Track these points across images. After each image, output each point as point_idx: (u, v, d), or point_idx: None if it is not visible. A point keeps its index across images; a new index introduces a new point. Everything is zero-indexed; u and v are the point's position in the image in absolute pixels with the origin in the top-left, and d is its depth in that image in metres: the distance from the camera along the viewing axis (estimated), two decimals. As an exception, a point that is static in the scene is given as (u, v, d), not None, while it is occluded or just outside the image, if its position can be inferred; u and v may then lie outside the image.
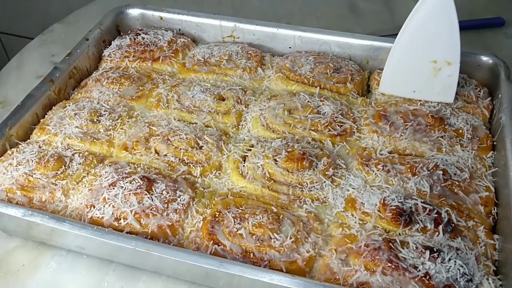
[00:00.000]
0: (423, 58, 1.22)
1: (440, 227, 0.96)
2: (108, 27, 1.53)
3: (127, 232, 0.99)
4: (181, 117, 1.26)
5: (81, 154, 1.15)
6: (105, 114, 1.24)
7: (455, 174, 1.08)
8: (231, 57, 1.42)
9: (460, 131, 1.18)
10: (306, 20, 1.82)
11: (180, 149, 1.15)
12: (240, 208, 1.02)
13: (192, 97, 1.29)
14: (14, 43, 2.75)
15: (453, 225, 0.98)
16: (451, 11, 1.15)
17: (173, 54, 1.45)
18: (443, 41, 1.19)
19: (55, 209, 1.05)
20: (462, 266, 0.89)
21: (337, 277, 0.92)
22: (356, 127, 1.22)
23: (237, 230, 0.98)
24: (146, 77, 1.38)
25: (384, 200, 1.01)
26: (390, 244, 0.92)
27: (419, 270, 0.88)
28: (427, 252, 0.90)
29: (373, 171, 1.10)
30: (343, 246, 0.96)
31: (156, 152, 1.16)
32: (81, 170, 1.11)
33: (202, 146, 1.16)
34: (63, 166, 1.11)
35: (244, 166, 1.13)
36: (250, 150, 1.17)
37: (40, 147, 1.16)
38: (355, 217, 1.02)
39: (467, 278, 0.88)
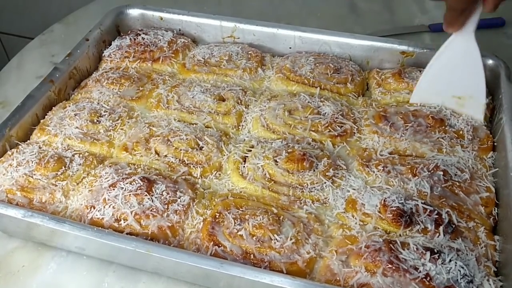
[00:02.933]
0: (448, 95, 1.24)
1: (441, 228, 0.96)
2: (108, 27, 1.53)
3: (127, 233, 0.98)
4: (181, 118, 1.26)
5: (81, 155, 1.15)
6: (105, 115, 1.23)
7: (455, 174, 1.08)
8: (231, 58, 1.42)
9: (461, 132, 1.18)
10: (306, 20, 1.82)
11: (180, 149, 1.15)
12: (240, 209, 1.02)
13: (192, 97, 1.29)
14: (14, 43, 2.75)
15: (453, 226, 0.98)
16: (476, 54, 1.18)
17: (173, 55, 1.45)
18: (468, 80, 1.22)
19: (55, 210, 1.05)
20: (462, 267, 0.89)
21: (338, 278, 0.92)
22: (356, 127, 1.22)
23: (238, 231, 0.97)
24: (146, 78, 1.38)
25: (384, 201, 1.01)
26: (391, 245, 0.92)
27: (420, 271, 0.88)
28: (428, 253, 0.90)
29: (374, 172, 1.10)
30: (343, 247, 0.96)
31: (156, 153, 1.16)
32: (81, 171, 1.11)
33: (202, 147, 1.16)
34: (63, 167, 1.11)
35: (244, 167, 1.13)
36: (250, 150, 1.17)
37: (40, 147, 1.16)
38: (355, 218, 1.02)
39: (467, 279, 0.88)
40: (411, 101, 1.28)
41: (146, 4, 1.60)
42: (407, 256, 0.90)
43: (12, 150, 1.15)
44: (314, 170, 1.10)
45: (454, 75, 1.23)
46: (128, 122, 1.24)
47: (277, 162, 1.12)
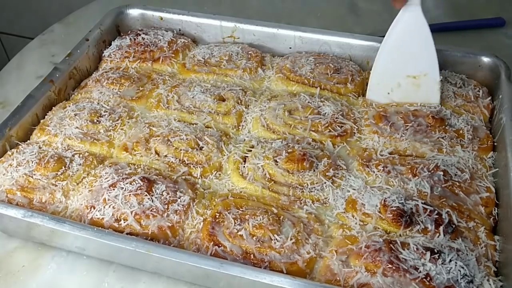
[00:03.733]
0: (402, 74, 1.24)
1: (441, 228, 0.96)
2: (108, 27, 1.53)
3: (127, 233, 0.98)
4: (181, 118, 1.26)
5: (81, 155, 1.15)
6: (105, 115, 1.23)
7: (455, 174, 1.08)
8: (231, 58, 1.42)
9: (461, 131, 1.18)
10: (306, 20, 1.82)
11: (180, 150, 1.15)
12: (241, 209, 1.02)
13: (192, 97, 1.29)
14: (14, 43, 2.75)
15: (453, 226, 0.98)
16: (424, 28, 1.18)
17: (173, 55, 1.45)
18: (420, 56, 1.22)
19: (55, 210, 1.05)
20: (462, 267, 0.89)
21: (338, 278, 0.92)
22: (356, 127, 1.22)
23: (238, 231, 0.97)
24: (146, 78, 1.38)
25: (384, 201, 1.01)
26: (391, 245, 0.92)
27: (420, 271, 0.88)
28: (428, 253, 0.90)
29: (374, 172, 1.10)
30: (343, 247, 0.96)
31: (156, 153, 1.16)
32: (81, 171, 1.11)
33: (202, 147, 1.16)
34: (63, 167, 1.11)
35: (244, 167, 1.13)
36: (251, 151, 1.17)
37: (40, 148, 1.16)
38: (355, 218, 1.02)
39: (467, 279, 0.88)
40: (368, 96, 1.29)
41: (146, 4, 1.60)
42: (407, 256, 0.90)
43: (12, 150, 1.15)
44: (314, 170, 1.10)
45: (406, 53, 1.22)
46: (128, 122, 1.24)
47: (277, 162, 1.12)
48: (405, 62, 1.23)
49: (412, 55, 1.22)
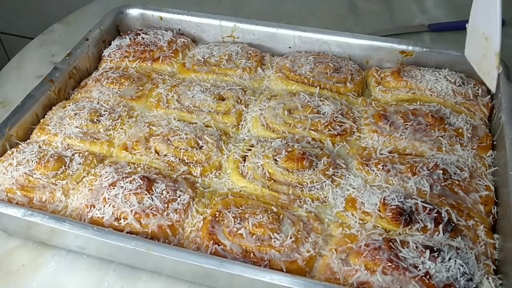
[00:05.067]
0: (480, 31, 1.09)
1: (440, 226, 0.96)
2: (108, 27, 1.53)
3: (127, 232, 0.99)
4: (181, 117, 1.26)
5: (81, 154, 1.15)
6: (105, 114, 1.24)
7: (455, 173, 1.08)
8: (231, 57, 1.42)
9: (460, 130, 1.18)
10: (306, 20, 1.82)
11: (180, 149, 1.15)
12: (240, 208, 1.02)
13: (192, 97, 1.29)
14: (14, 43, 2.75)
15: (453, 224, 0.98)
16: None
17: (173, 54, 1.45)
18: (489, 17, 1.05)
19: (55, 209, 1.06)
20: (462, 266, 0.89)
21: (338, 276, 0.92)
22: (356, 126, 1.22)
23: (237, 230, 0.98)
24: (146, 77, 1.38)
25: (384, 199, 1.01)
26: (390, 243, 0.92)
27: (419, 270, 0.88)
28: (427, 252, 0.90)
29: (373, 170, 1.10)
30: (343, 246, 0.96)
31: (156, 152, 1.16)
32: (81, 170, 1.11)
33: (202, 146, 1.16)
34: (63, 166, 1.11)
35: (244, 166, 1.13)
36: (250, 150, 1.17)
37: (40, 147, 1.16)
38: (355, 217, 1.02)
39: (467, 277, 0.89)
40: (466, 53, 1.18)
41: (146, 4, 1.60)
42: (406, 255, 0.90)
43: (12, 149, 1.15)
44: (313, 169, 1.10)
45: (484, 10, 1.05)
46: (128, 122, 1.24)
47: (277, 161, 1.12)
48: (482, 18, 1.07)
49: (485, 13, 1.05)
